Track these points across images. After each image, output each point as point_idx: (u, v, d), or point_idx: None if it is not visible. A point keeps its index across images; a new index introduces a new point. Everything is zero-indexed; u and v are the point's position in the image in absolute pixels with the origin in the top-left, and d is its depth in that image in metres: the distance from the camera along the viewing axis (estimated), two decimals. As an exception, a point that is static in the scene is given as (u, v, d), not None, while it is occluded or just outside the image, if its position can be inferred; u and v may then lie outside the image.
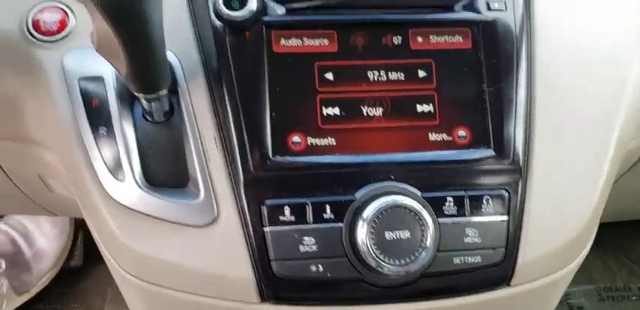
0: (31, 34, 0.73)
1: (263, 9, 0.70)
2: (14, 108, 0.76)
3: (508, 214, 0.72)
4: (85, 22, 0.73)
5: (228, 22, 0.69)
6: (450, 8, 0.74)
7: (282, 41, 0.71)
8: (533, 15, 0.77)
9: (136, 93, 0.67)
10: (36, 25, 0.73)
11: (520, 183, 0.73)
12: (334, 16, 0.72)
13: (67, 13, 0.74)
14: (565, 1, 0.80)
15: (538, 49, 0.76)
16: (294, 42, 0.72)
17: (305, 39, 0.72)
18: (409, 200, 0.68)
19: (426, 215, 0.67)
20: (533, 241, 0.73)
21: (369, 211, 0.67)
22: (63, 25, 0.73)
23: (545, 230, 0.73)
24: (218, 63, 0.70)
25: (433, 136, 0.72)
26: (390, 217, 0.67)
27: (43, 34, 0.73)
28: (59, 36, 0.73)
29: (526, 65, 0.74)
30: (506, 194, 0.72)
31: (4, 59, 0.74)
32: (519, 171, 0.73)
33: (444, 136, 0.72)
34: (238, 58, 0.70)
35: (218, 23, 0.70)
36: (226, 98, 0.70)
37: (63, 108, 0.71)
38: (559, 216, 0.74)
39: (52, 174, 0.86)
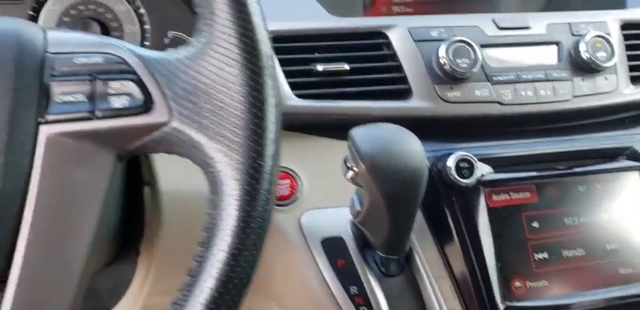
0: None
1: None
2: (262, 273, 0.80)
3: None
4: (310, 184, 0.81)
5: (457, 187, 0.79)
6: (616, 157, 0.88)
7: (494, 197, 0.82)
8: None
9: (382, 254, 0.75)
10: (269, 190, 0.79)
11: None
12: (531, 172, 0.84)
13: (293, 177, 0.80)
14: None
15: None
16: (503, 196, 0.82)
17: (511, 193, 0.82)
18: None
19: None
20: None
21: None
22: (293, 189, 0.80)
23: None
24: (446, 220, 0.79)
25: (622, 271, 0.84)
26: None
27: (278, 199, 0.79)
28: (292, 199, 0.80)
29: None
30: None
31: None
32: None
33: (630, 270, 0.84)
34: (464, 214, 0.79)
35: (442, 187, 0.80)
36: (459, 251, 0.78)
37: (310, 271, 0.77)
38: None
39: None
